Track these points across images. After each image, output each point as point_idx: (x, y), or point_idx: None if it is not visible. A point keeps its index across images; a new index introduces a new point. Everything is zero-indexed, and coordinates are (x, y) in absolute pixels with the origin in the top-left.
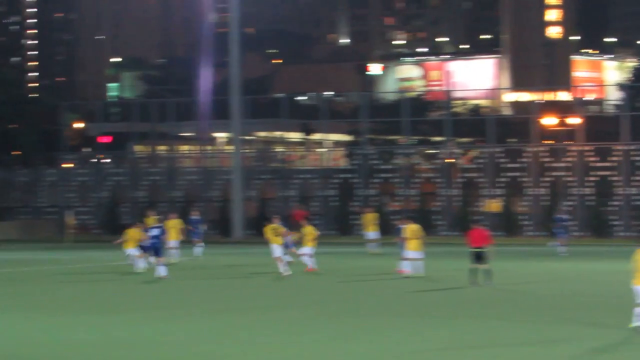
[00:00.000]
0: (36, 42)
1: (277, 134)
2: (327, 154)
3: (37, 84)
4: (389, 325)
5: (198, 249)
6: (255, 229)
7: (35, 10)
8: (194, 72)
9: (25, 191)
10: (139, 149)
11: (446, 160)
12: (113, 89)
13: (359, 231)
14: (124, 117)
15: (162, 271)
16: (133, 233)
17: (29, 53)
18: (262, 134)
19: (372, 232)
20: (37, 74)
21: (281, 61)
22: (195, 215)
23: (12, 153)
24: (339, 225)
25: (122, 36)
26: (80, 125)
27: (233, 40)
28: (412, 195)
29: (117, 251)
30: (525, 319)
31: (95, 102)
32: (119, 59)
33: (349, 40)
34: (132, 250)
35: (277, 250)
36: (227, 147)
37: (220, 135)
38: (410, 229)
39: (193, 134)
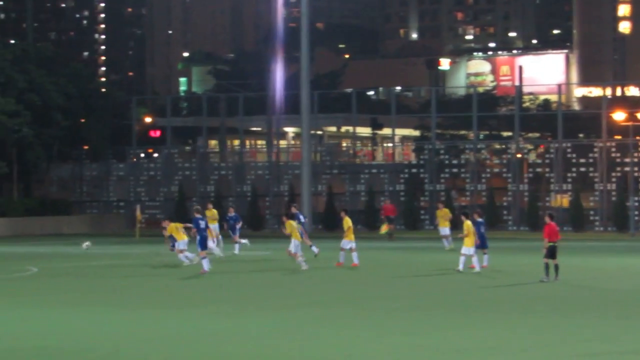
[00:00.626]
0: (106, 36)
1: (346, 128)
2: (396, 149)
3: (107, 79)
4: (459, 320)
5: (238, 246)
6: (324, 224)
7: (106, 4)
8: (264, 66)
9: (95, 185)
10: (208, 143)
11: (516, 156)
12: (183, 84)
13: (427, 226)
14: (193, 112)
15: (205, 265)
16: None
17: (99, 47)
18: (331, 128)
19: (443, 228)
20: (107, 68)
21: (351, 56)
22: (231, 213)
23: (82, 147)
24: (407, 220)
25: (191, 31)
26: (150, 119)
27: (303, 35)
28: (480, 191)
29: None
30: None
31: (165, 96)
32: (189, 54)
33: (418, 35)
34: (179, 243)
35: (296, 246)
36: (296, 142)
37: (290, 130)
38: (466, 224)
39: (262, 128)
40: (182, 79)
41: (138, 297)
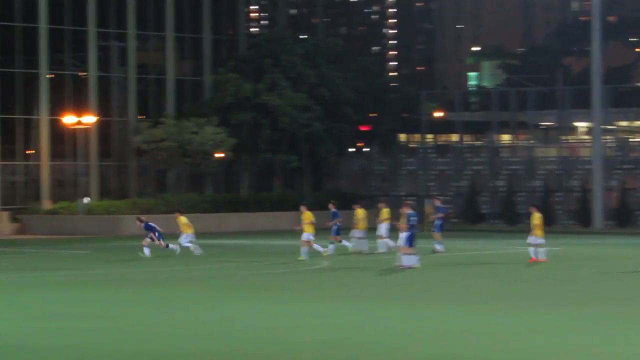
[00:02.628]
0: (396, 31)
1: (639, 123)
2: None
3: (397, 73)
4: None
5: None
6: (617, 220)
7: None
8: (555, 60)
9: (385, 179)
10: (498, 138)
11: None
12: (472, 78)
13: None
14: (483, 106)
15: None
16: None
17: (389, 42)
18: (624, 123)
19: None
20: (397, 63)
21: None
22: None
23: (372, 142)
24: None
25: (481, 25)
26: (440, 114)
27: (595, 29)
28: None
29: (478, 240)
30: None
31: (455, 91)
32: (479, 48)
33: None
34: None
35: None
36: (587, 137)
37: (581, 125)
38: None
39: (553, 123)
40: (472, 74)
41: (418, 291)
